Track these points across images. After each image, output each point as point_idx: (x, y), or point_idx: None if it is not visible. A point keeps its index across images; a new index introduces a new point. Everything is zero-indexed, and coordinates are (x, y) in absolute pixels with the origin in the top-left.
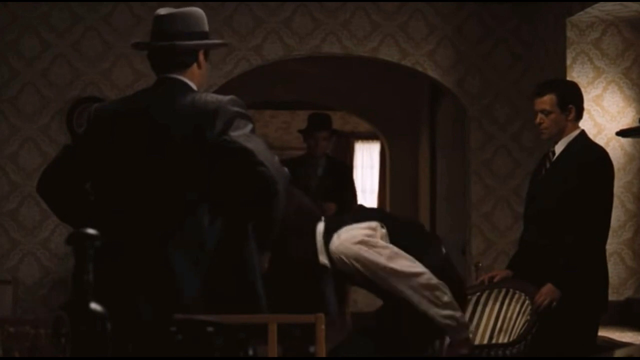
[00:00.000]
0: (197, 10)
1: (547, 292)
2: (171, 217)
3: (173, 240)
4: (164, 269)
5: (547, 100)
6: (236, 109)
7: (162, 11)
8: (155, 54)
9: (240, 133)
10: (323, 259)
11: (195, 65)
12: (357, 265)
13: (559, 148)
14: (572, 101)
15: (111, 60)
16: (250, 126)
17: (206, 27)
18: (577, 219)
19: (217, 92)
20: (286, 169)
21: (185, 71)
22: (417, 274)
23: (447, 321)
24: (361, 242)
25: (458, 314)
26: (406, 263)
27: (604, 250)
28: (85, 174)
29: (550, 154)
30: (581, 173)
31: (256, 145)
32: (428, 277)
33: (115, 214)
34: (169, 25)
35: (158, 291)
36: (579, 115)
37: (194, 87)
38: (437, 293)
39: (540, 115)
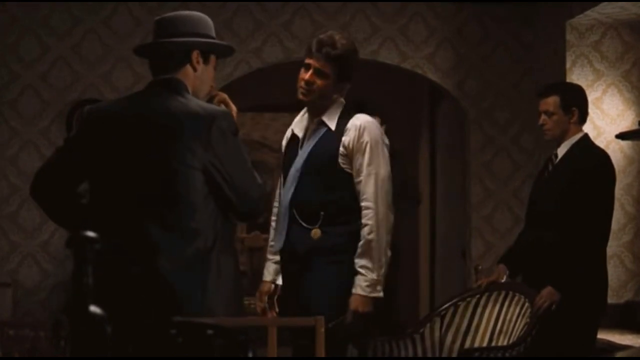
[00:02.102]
0: (196, 13)
1: (547, 294)
2: (162, 219)
3: (165, 243)
4: (156, 272)
5: (550, 102)
6: (226, 124)
7: (160, 17)
8: (151, 56)
9: (224, 153)
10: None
11: (188, 66)
12: (363, 136)
13: (561, 151)
14: (575, 104)
15: (111, 63)
16: (237, 141)
17: (206, 30)
18: (578, 222)
19: None
20: (259, 181)
21: (177, 72)
22: (385, 192)
23: (370, 254)
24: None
25: (382, 262)
26: (387, 174)
27: (604, 254)
28: (78, 176)
29: (553, 156)
30: (582, 176)
31: (235, 169)
32: (388, 208)
33: (108, 216)
34: (164, 27)
35: (150, 294)
36: (583, 118)
37: (188, 87)
38: (388, 220)
39: (543, 117)
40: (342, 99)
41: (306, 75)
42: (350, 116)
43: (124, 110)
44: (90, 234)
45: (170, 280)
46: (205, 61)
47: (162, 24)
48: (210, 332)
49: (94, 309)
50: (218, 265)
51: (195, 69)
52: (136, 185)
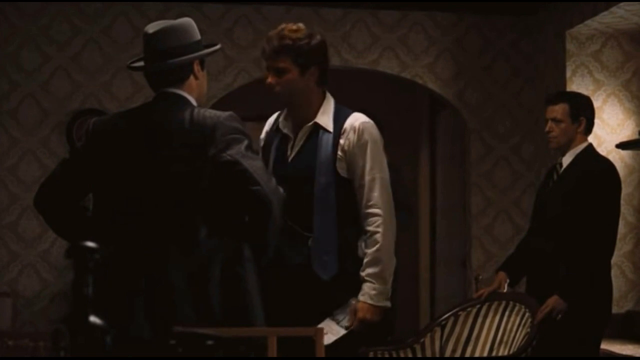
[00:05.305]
0: (184, 21)
1: (553, 302)
2: (168, 232)
3: (170, 256)
4: (161, 285)
5: (558, 109)
6: (234, 125)
7: (151, 29)
8: (151, 72)
9: (237, 151)
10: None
11: (192, 77)
12: (363, 137)
13: (566, 160)
14: (584, 113)
15: (111, 73)
16: (246, 142)
17: (197, 36)
18: (584, 230)
19: (217, 103)
20: (282, 190)
21: (183, 85)
22: (387, 187)
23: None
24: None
25: (391, 268)
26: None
27: (609, 263)
28: (83, 189)
29: (558, 165)
30: (589, 184)
31: (252, 164)
32: (393, 214)
33: (113, 228)
34: (160, 44)
35: (155, 307)
36: (589, 128)
37: (193, 100)
38: (394, 226)
39: (550, 124)
40: (328, 94)
41: (268, 78)
42: (343, 115)
43: (129, 123)
44: (90, 243)
45: (167, 294)
46: (203, 67)
47: (154, 40)
48: (210, 342)
49: (93, 319)
50: (218, 281)
51: (197, 77)
52: (138, 197)
